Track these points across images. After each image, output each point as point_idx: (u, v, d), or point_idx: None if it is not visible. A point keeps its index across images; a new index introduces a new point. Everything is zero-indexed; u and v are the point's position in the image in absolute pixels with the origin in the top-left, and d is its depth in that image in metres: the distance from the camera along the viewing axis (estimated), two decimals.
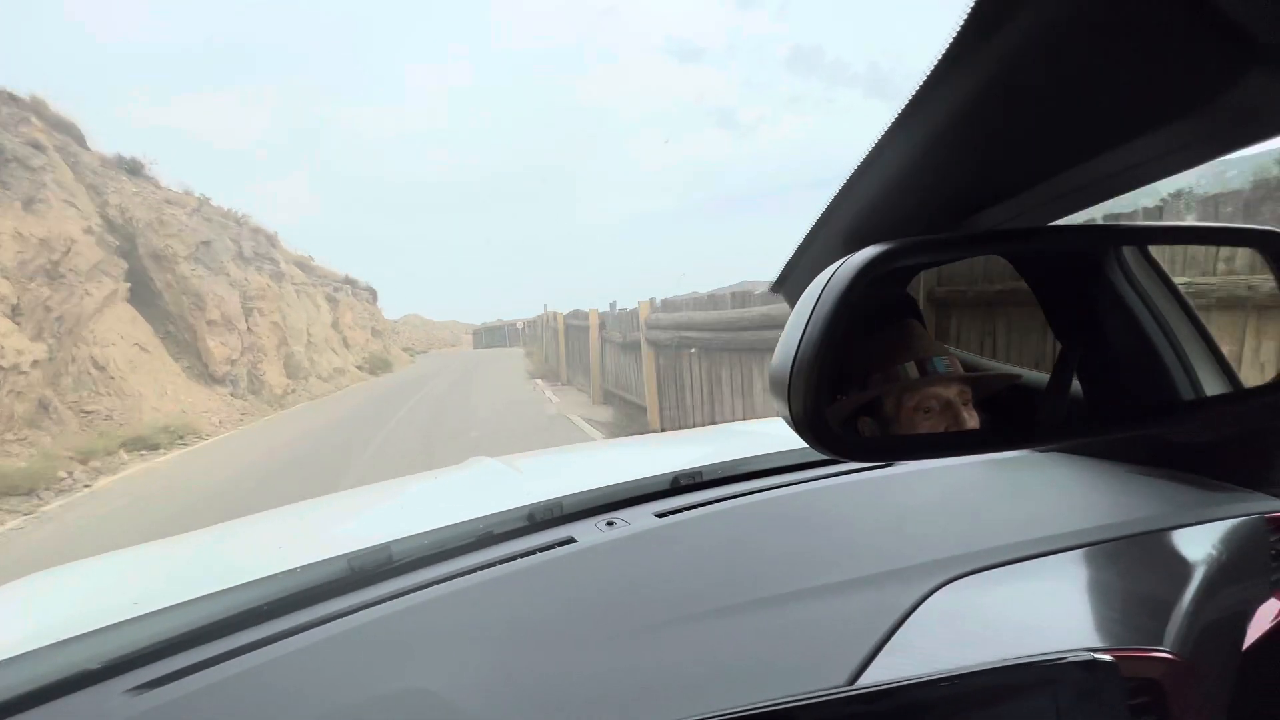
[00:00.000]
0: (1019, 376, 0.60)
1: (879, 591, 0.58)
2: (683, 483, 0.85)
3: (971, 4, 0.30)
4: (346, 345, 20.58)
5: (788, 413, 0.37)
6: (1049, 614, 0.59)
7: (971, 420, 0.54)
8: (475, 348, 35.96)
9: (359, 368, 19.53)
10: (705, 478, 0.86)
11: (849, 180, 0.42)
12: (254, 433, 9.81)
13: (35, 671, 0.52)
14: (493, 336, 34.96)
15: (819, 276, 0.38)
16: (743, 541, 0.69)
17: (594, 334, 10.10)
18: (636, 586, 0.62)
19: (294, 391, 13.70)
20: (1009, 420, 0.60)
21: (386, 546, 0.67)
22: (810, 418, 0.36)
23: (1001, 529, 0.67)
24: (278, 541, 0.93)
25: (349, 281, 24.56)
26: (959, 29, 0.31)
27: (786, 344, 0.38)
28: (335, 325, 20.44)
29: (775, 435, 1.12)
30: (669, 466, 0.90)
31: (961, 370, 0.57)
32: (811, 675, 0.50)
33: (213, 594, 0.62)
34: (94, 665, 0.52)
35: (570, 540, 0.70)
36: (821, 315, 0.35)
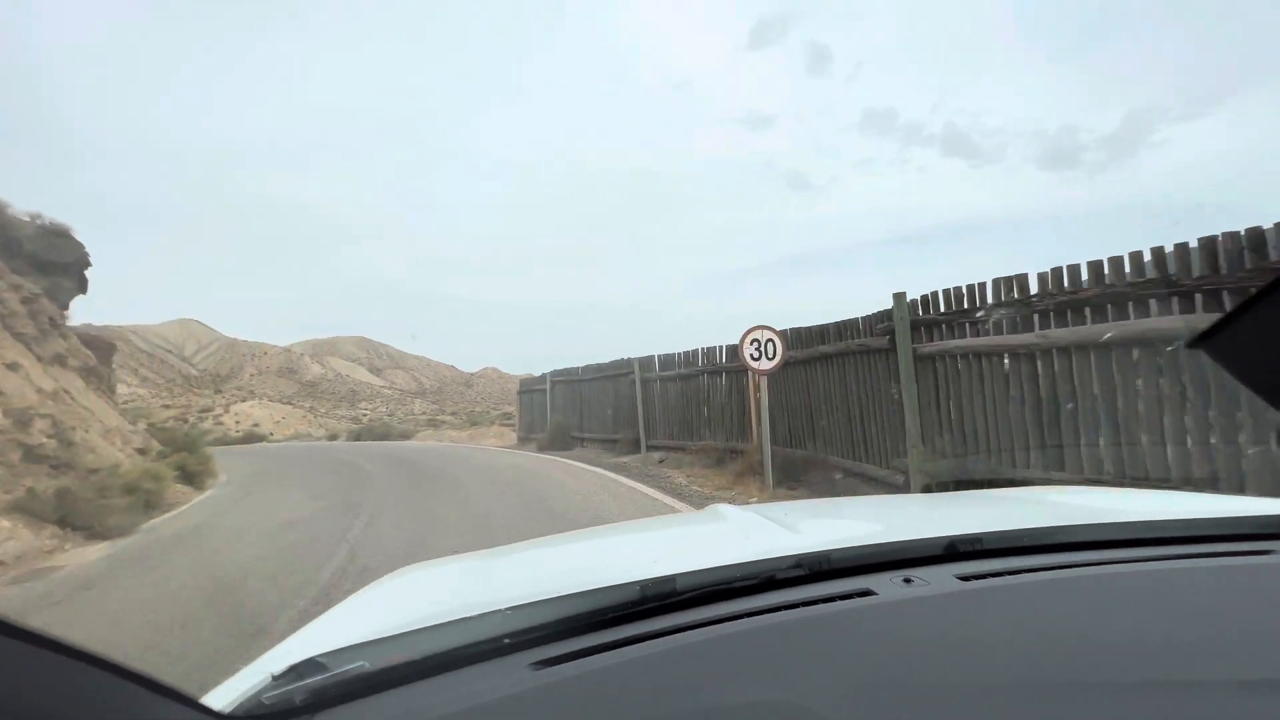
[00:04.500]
0: None
1: None
2: (962, 548, 0.78)
3: None
4: None
5: None
6: None
7: None
8: (522, 434, 14.91)
9: None
10: (989, 545, 0.79)
11: None
12: None
13: (456, 639, 0.61)
14: (565, 400, 12.95)
15: None
16: (1086, 617, 0.61)
17: None
18: (961, 649, 0.57)
19: None
20: None
21: (672, 578, 0.69)
22: None
23: None
24: (586, 562, 1.03)
25: None
26: None
27: None
28: None
29: (1057, 504, 1.18)
30: (925, 530, 0.87)
31: None
32: None
33: (581, 594, 0.68)
34: (507, 640, 0.61)
35: (869, 592, 0.67)
36: None
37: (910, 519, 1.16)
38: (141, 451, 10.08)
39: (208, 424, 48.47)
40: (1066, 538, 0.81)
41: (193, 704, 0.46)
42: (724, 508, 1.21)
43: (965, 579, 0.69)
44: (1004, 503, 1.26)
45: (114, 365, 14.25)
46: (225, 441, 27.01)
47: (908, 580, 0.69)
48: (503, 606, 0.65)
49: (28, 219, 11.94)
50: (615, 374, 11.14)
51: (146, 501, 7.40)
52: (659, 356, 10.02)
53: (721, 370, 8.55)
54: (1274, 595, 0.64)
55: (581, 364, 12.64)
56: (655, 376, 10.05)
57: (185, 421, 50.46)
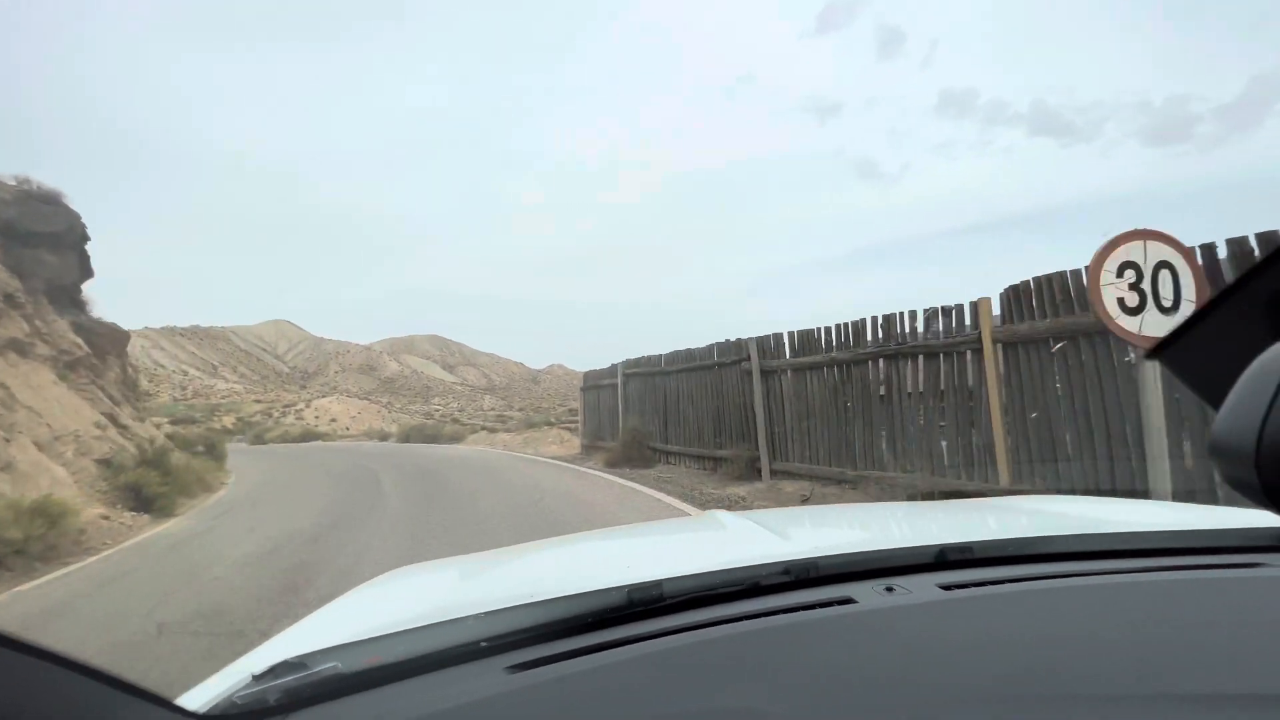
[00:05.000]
0: None
1: None
2: (951, 557, 0.76)
3: None
4: None
5: (1256, 483, 0.34)
6: None
7: None
8: (586, 441, 11.55)
9: None
10: (976, 554, 0.77)
11: None
12: None
13: (433, 642, 0.59)
14: (641, 399, 9.63)
15: None
16: (1068, 629, 0.59)
17: None
18: (936, 658, 0.55)
19: None
20: None
21: (659, 583, 0.68)
22: None
23: None
24: (575, 565, 1.02)
25: None
26: None
27: (1241, 412, 0.35)
28: None
29: (1045, 514, 1.13)
30: (915, 538, 0.90)
31: None
32: None
33: (562, 598, 0.67)
34: (484, 643, 0.60)
35: (849, 600, 0.66)
36: None
37: (902, 527, 1.15)
38: (105, 464, 7.83)
39: (289, 419, 49.43)
40: (1052, 548, 0.81)
41: (167, 705, 0.47)
42: (722, 514, 1.19)
43: (947, 588, 0.68)
44: (992, 511, 1.25)
45: (127, 356, 12.46)
46: (286, 439, 26.08)
47: (889, 589, 0.69)
48: (488, 609, 0.65)
49: (14, 183, 10.11)
50: (719, 362, 7.77)
51: (19, 551, 4.86)
52: (793, 334, 6.57)
53: (915, 352, 5.03)
54: (1259, 608, 0.63)
55: (663, 353, 9.36)
56: (784, 365, 6.61)
57: (270, 416, 51.90)
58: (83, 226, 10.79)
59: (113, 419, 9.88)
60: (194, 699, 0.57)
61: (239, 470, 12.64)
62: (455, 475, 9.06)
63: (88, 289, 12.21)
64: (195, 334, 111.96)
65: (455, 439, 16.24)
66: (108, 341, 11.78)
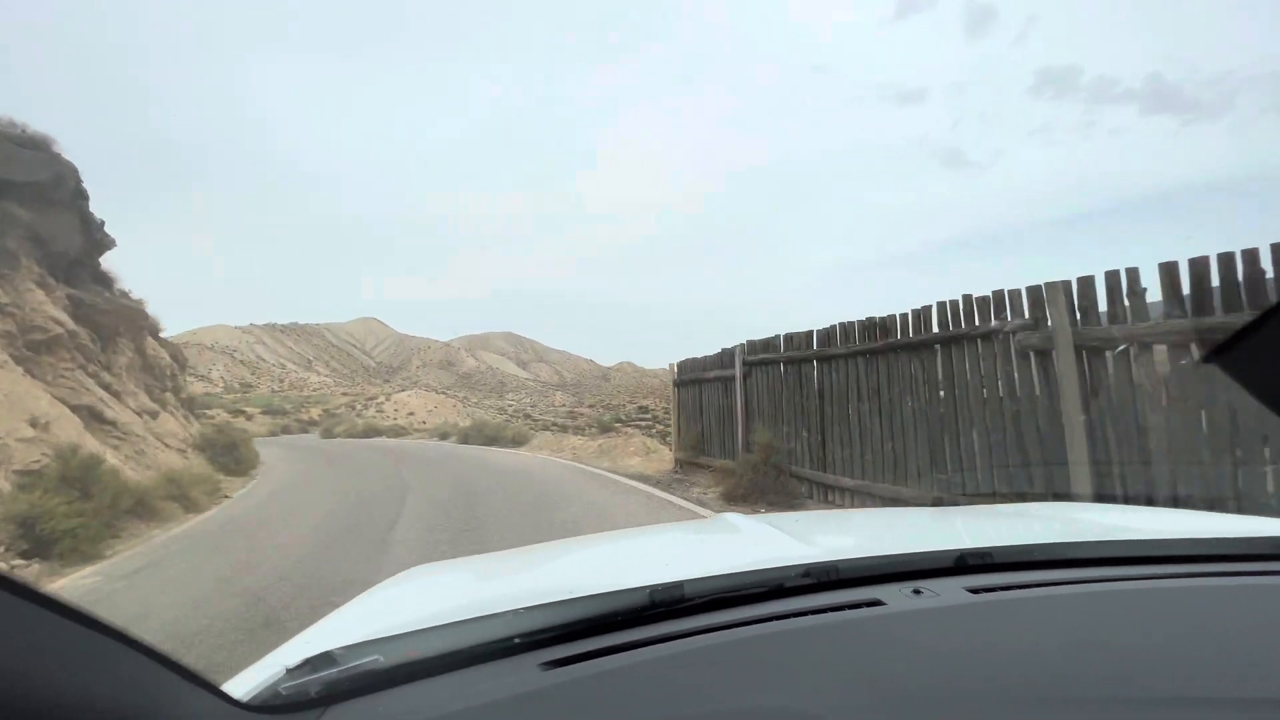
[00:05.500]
0: None
1: None
2: (975, 561, 0.77)
3: None
4: None
5: None
6: None
7: None
8: (683, 455, 8.15)
9: None
10: (1002, 559, 0.78)
11: None
12: None
13: (468, 638, 0.61)
14: (773, 398, 6.27)
15: None
16: (1096, 633, 0.60)
17: None
18: (967, 661, 0.57)
19: None
20: None
21: (680, 585, 0.68)
22: None
23: None
24: (599, 565, 1.03)
25: None
26: None
27: None
28: None
29: (1069, 520, 1.15)
30: (937, 542, 0.87)
31: None
32: None
33: (595, 595, 0.68)
34: (517, 639, 0.60)
35: (878, 602, 0.67)
36: None
37: (922, 531, 1.14)
38: (33, 476, 5.65)
39: (370, 412, 50.09)
40: (1077, 553, 0.81)
41: (217, 692, 0.48)
42: (735, 517, 1.19)
43: (975, 591, 0.68)
44: (1016, 517, 1.26)
45: (147, 338, 10.71)
46: (351, 433, 24.99)
47: (917, 591, 0.68)
48: (514, 607, 0.65)
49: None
50: (945, 336, 4.41)
51: None
52: (1169, 266, 3.12)
53: None
54: None
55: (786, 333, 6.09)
56: (1144, 334, 3.20)
57: (353, 408, 53.05)
58: (78, 180, 8.96)
59: (94, 414, 7.86)
60: (236, 687, 0.58)
61: (265, 474, 10.64)
62: (503, 510, 6.26)
63: (106, 261, 10.51)
64: (294, 330, 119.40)
65: (518, 441, 13.72)
66: (119, 320, 9.98)
